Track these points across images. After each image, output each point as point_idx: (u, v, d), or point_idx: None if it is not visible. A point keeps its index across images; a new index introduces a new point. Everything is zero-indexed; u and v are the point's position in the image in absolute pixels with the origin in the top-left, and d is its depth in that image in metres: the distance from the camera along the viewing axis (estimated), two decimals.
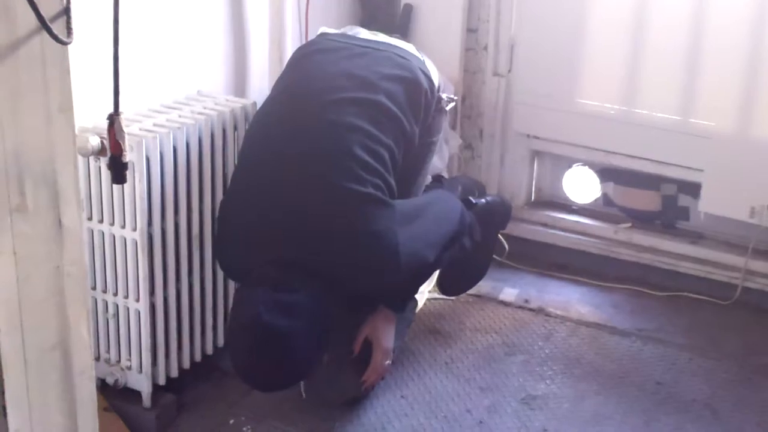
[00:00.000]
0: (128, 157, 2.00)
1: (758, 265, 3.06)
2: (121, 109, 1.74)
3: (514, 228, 3.33)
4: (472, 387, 2.62)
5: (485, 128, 3.34)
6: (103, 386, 2.36)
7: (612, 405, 2.57)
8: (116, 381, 2.34)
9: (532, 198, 3.46)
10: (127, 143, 1.85)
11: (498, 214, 2.94)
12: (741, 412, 2.55)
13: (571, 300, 3.12)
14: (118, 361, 2.33)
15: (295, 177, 2.20)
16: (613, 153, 3.20)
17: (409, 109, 2.41)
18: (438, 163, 3.12)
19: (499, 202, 2.98)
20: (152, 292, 2.27)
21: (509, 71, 3.27)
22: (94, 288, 2.29)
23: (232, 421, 2.43)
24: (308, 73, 2.40)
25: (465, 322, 2.95)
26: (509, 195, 3.39)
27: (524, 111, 3.29)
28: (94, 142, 2.07)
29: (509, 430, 2.45)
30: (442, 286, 2.93)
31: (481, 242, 2.78)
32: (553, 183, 3.43)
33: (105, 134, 1.96)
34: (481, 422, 2.47)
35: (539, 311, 3.04)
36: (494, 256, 3.20)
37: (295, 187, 2.19)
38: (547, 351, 2.81)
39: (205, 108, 2.38)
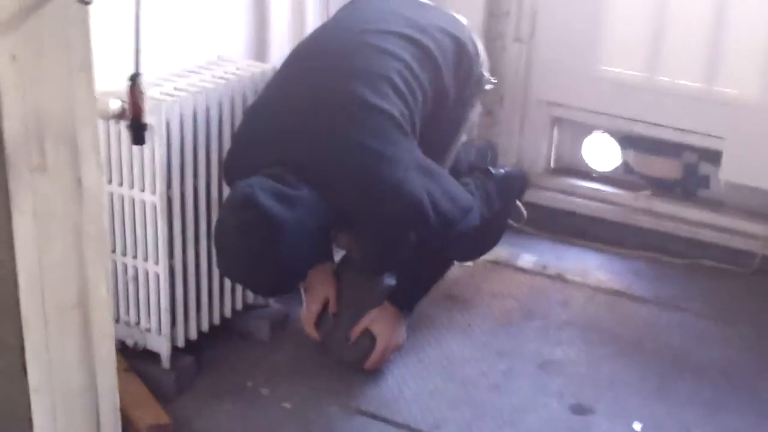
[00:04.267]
0: (148, 119, 2.03)
1: None
2: (141, 70, 1.74)
3: (533, 195, 3.33)
4: (488, 351, 2.63)
5: (506, 95, 3.33)
6: (122, 348, 2.38)
7: (629, 370, 2.58)
8: (136, 343, 2.37)
9: (552, 165, 3.45)
10: (147, 105, 1.87)
11: (516, 185, 2.94)
12: (757, 380, 2.55)
13: (589, 267, 3.12)
14: (138, 323, 2.35)
15: (321, 87, 2.18)
16: (634, 120, 3.18)
17: (453, 67, 2.41)
18: None
19: (517, 173, 2.98)
20: (171, 255, 2.29)
21: (531, 37, 3.25)
22: (113, 251, 2.32)
23: (250, 383, 2.45)
24: (356, 6, 2.41)
25: (482, 288, 2.95)
26: (529, 162, 3.39)
27: (545, 77, 3.27)
28: (114, 105, 2.09)
29: (525, 394, 2.46)
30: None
31: (499, 212, 2.78)
32: (573, 150, 3.41)
33: (125, 98, 2.00)
34: (497, 386, 2.49)
35: (557, 278, 3.04)
36: (513, 222, 3.21)
37: (318, 95, 2.16)
38: (564, 317, 2.82)
39: (225, 72, 2.39)
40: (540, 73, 3.27)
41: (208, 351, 2.53)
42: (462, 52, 2.43)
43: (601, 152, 3.34)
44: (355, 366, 2.49)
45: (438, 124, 2.41)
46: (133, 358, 2.38)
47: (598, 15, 3.10)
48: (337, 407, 2.38)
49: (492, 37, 3.27)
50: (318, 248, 2.20)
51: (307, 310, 2.50)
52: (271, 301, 2.66)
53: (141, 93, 1.76)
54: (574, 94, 3.24)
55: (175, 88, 2.26)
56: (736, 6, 2.88)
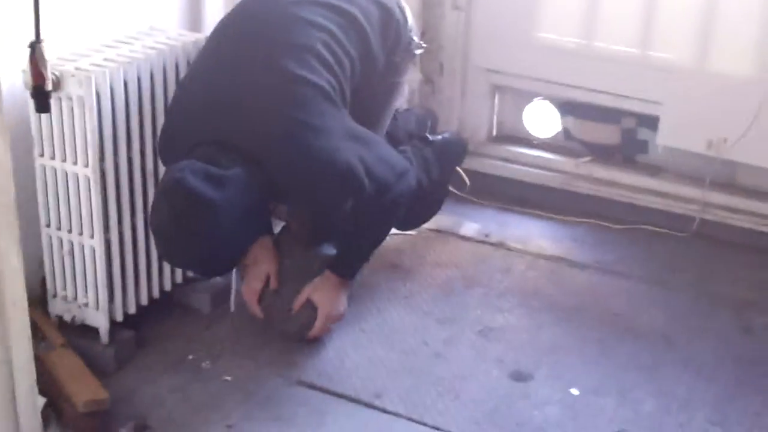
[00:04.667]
0: (76, 91, 2.01)
1: (715, 197, 3.08)
2: (42, 36, 1.71)
3: (475, 163, 3.34)
4: (430, 320, 2.64)
5: (445, 63, 3.33)
6: (60, 323, 2.36)
7: (569, 335, 2.60)
8: (73, 318, 2.34)
9: (494, 133, 3.46)
10: (49, 73, 1.85)
11: (455, 151, 2.95)
12: (696, 341, 2.59)
13: (531, 234, 3.14)
14: (75, 298, 2.33)
15: (248, 63, 2.18)
16: (573, 87, 3.19)
17: (380, 33, 2.41)
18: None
19: (456, 139, 2.98)
20: (107, 228, 2.26)
21: (469, 4, 3.24)
22: (48, 225, 2.28)
23: (191, 357, 2.44)
24: None
25: (425, 257, 2.96)
26: (470, 130, 3.39)
27: (484, 45, 3.27)
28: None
29: (465, 361, 2.47)
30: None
31: (438, 179, 2.78)
32: (514, 117, 3.42)
33: (55, 69, 1.97)
34: (438, 354, 2.50)
35: (499, 245, 3.05)
36: (455, 191, 3.22)
37: (244, 71, 2.17)
38: (505, 284, 2.83)
39: (156, 42, 2.35)
40: (479, 41, 3.27)
41: (148, 325, 2.51)
42: (389, 18, 2.44)
43: (542, 119, 3.35)
44: (297, 337, 2.48)
45: (369, 92, 2.41)
46: (72, 333, 2.35)
47: None
48: (278, 378, 2.38)
49: (430, 5, 3.26)
50: (256, 225, 2.20)
51: (248, 287, 2.49)
52: None
53: (43, 60, 1.73)
54: (513, 61, 3.24)
55: (105, 59, 2.22)
56: None
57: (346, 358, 2.46)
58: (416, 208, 2.85)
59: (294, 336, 2.48)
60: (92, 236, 2.24)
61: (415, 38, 2.57)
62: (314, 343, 2.49)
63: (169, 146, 2.22)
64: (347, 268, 2.46)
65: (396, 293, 2.75)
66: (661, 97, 3.04)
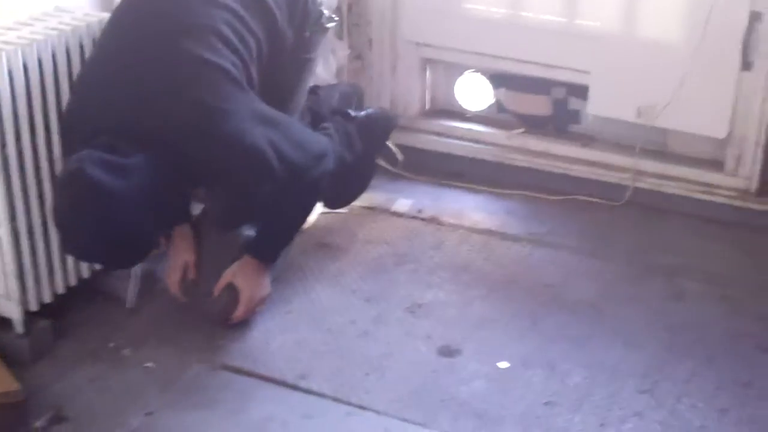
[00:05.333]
0: None
1: (647, 165, 3.06)
2: None
3: (408, 138, 3.30)
4: (358, 298, 2.60)
5: (374, 37, 3.27)
6: None
7: (499, 309, 2.57)
8: None
9: (426, 107, 3.42)
10: None
11: (380, 126, 2.89)
12: (627, 310, 2.57)
13: (465, 208, 3.10)
14: None
15: (148, 46, 2.10)
16: (503, 58, 3.15)
17: (287, 8, 2.33)
18: (323, 73, 3.07)
19: (380, 114, 2.92)
20: (13, 217, 2.19)
21: None
22: None
23: (112, 344, 2.39)
24: None
25: (357, 235, 2.92)
26: (402, 105, 3.35)
27: (413, 18, 3.22)
28: None
29: (393, 340, 2.44)
30: (324, 198, 2.87)
31: (363, 155, 2.73)
32: (446, 91, 3.38)
33: None
34: (365, 332, 2.46)
35: (431, 221, 3.01)
36: (388, 167, 3.18)
37: (144, 55, 2.09)
38: (436, 260, 2.79)
39: (60, 23, 2.28)
40: (408, 14, 3.22)
41: (69, 313, 2.46)
42: None
43: (474, 92, 3.31)
44: (220, 321, 2.43)
45: (279, 70, 2.34)
46: None
47: None
48: (201, 364, 2.33)
49: None
50: (164, 213, 2.12)
51: (168, 277, 2.44)
52: None
53: None
54: (443, 33, 3.20)
55: (4, 42, 2.14)
56: None
57: (272, 341, 2.42)
58: (342, 185, 2.81)
59: (217, 320, 2.43)
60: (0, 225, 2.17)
61: (326, 12, 2.50)
62: (239, 326, 2.44)
63: (68, 134, 2.14)
64: (266, 251, 2.41)
65: (325, 273, 2.71)
66: (589, 66, 3.01)
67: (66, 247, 2.11)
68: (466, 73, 3.28)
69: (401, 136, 3.28)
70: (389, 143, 3.20)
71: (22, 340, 2.28)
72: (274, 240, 2.42)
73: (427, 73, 3.36)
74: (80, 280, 2.43)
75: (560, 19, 2.99)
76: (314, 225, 2.94)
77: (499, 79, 3.25)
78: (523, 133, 3.25)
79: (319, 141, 2.36)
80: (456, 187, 3.22)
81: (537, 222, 3.01)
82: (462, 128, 3.31)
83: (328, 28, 2.52)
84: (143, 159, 2.02)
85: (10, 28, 2.22)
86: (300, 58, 2.44)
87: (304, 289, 2.63)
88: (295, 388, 2.26)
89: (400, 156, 3.23)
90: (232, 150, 2.10)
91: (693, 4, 2.84)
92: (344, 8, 3.18)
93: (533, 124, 3.25)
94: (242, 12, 2.20)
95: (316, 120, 2.72)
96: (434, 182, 3.24)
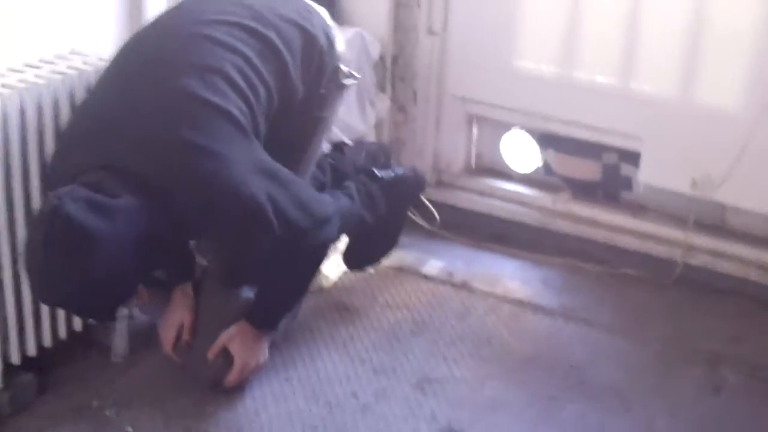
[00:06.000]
0: None
1: (701, 240, 2.84)
2: None
3: (449, 196, 3.16)
4: (365, 369, 2.44)
5: (419, 90, 3.13)
6: None
7: (515, 390, 2.38)
8: None
9: (473, 165, 3.26)
10: None
11: (408, 188, 2.71)
12: (654, 402, 2.35)
13: (500, 274, 2.92)
14: None
15: (147, 82, 1.96)
16: (551, 118, 2.98)
17: (301, 60, 2.19)
18: (360, 126, 2.95)
19: (409, 175, 2.73)
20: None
21: (444, 29, 3.05)
22: None
23: (96, 403, 2.27)
24: None
25: (377, 298, 2.76)
26: (445, 161, 3.21)
27: (460, 72, 3.08)
28: None
29: (394, 417, 2.27)
30: (345, 259, 2.73)
31: (387, 217, 2.58)
32: (492, 149, 3.22)
33: None
34: (365, 407, 2.30)
35: (462, 286, 2.84)
36: (425, 225, 3.03)
37: (143, 91, 1.95)
38: (458, 330, 2.62)
39: (68, 67, 2.20)
40: (455, 68, 3.08)
41: (58, 367, 2.36)
42: (311, 44, 2.22)
43: (521, 152, 3.14)
44: (211, 386, 2.30)
45: (289, 125, 2.19)
46: None
47: (513, 6, 2.91)
48: (182, 431, 2.20)
49: (404, 29, 3.07)
50: (148, 264, 1.98)
51: (162, 335, 2.34)
52: (136, 311, 2.48)
53: None
54: (490, 90, 3.05)
55: (3, 85, 2.07)
56: (651, 1, 2.68)
57: (263, 411, 2.27)
58: (365, 247, 2.68)
59: (209, 385, 2.30)
60: None
61: (345, 68, 2.34)
62: (233, 391, 2.31)
63: (54, 173, 2.01)
64: (263, 319, 2.27)
65: (335, 337, 2.56)
66: (642, 132, 2.82)
67: (33, 289, 1.95)
68: (513, 131, 3.11)
69: (441, 193, 3.15)
70: (425, 201, 3.05)
71: (1, 394, 2.18)
72: (272, 308, 2.28)
73: (473, 129, 3.20)
74: (71, 333, 2.33)
75: (613, 80, 2.81)
76: (335, 284, 2.80)
77: (547, 140, 3.07)
78: (569, 198, 3.05)
79: (324, 204, 2.19)
80: (494, 250, 3.04)
81: (573, 295, 2.81)
82: (506, 189, 3.14)
83: (345, 86, 2.35)
84: (131, 202, 1.86)
85: (14, 70, 2.15)
86: (313, 117, 2.29)
87: (309, 355, 2.48)
88: None
89: (436, 215, 3.07)
90: (226, 199, 1.94)
91: (756, 70, 2.63)
92: (388, 60, 3.05)
93: (581, 190, 3.06)
94: (254, 59, 2.06)
95: (338, 178, 2.58)
96: (471, 244, 3.07)
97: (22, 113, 2.05)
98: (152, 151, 1.91)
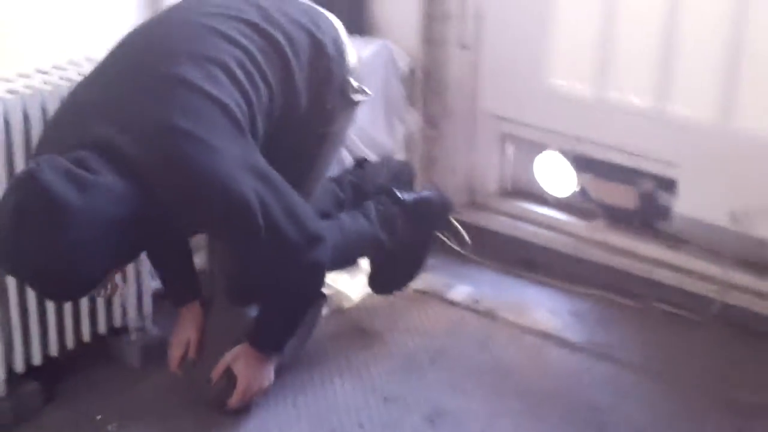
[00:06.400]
0: None
1: (739, 278, 2.69)
2: None
3: (481, 218, 3.06)
4: (376, 397, 2.35)
5: (451, 106, 3.03)
6: None
7: (528, 429, 2.27)
8: None
9: (508, 186, 3.15)
10: None
11: (433, 211, 2.60)
12: None
13: (527, 303, 2.81)
14: None
15: (143, 68, 1.89)
16: (586, 140, 2.86)
17: (307, 66, 2.10)
18: (387, 142, 2.87)
19: (435, 198, 2.62)
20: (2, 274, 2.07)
21: (477, 44, 2.95)
22: None
23: (99, 417, 2.23)
24: None
25: (398, 322, 2.67)
26: (478, 181, 3.11)
27: (492, 89, 2.98)
28: None
29: None
30: (369, 282, 2.65)
31: (409, 242, 2.49)
32: (526, 171, 3.11)
33: None
34: None
35: (487, 314, 2.74)
36: (456, 248, 2.94)
37: (137, 76, 1.88)
38: (477, 361, 2.52)
39: (79, 73, 2.16)
40: (487, 84, 2.98)
41: (68, 376, 2.33)
42: (319, 52, 2.13)
43: (557, 175, 3.02)
44: (215, 407, 2.24)
45: (292, 137, 2.12)
46: None
47: (546, 20, 2.80)
48: None
49: (434, 42, 2.97)
50: (121, 250, 1.83)
51: (170, 352, 2.29)
52: (149, 324, 2.43)
53: None
54: (524, 108, 2.94)
55: (9, 90, 2.05)
56: (692, 19, 2.55)
57: None
58: (387, 272, 2.60)
59: (212, 404, 2.24)
60: None
61: (355, 82, 2.24)
62: (237, 413, 2.24)
63: (39, 152, 1.90)
64: (264, 341, 2.19)
65: (350, 363, 2.48)
66: (678, 159, 2.69)
67: None
68: (547, 153, 3.00)
69: (474, 215, 3.06)
70: (457, 224, 2.96)
71: (3, 403, 2.15)
72: (270, 330, 2.19)
73: (507, 149, 3.10)
74: (80, 342, 2.28)
75: (649, 102, 2.68)
76: (357, 306, 2.73)
77: (584, 164, 2.95)
78: (605, 225, 2.93)
79: (316, 224, 2.09)
80: (524, 277, 2.94)
81: (603, 330, 2.69)
82: (539, 213, 3.03)
83: (354, 102, 2.26)
84: (113, 181, 1.77)
85: (23, 76, 2.12)
86: (319, 132, 2.20)
87: (321, 379, 2.41)
88: None
89: (467, 238, 2.98)
90: (212, 192, 1.85)
91: None
92: (419, 73, 2.96)
93: (618, 217, 2.94)
94: (258, 56, 1.99)
95: (358, 196, 2.51)
96: (501, 269, 2.97)
97: (26, 119, 2.02)
98: (142, 134, 1.82)
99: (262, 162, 1.94)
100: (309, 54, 2.10)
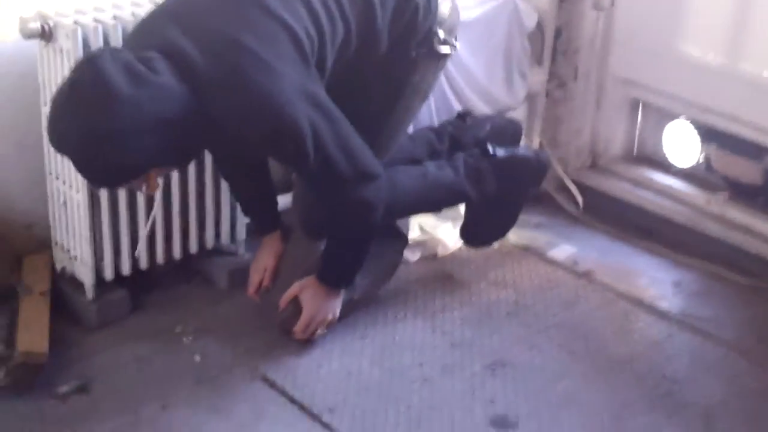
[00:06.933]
0: (65, 43, 2.01)
1: None
2: None
3: (601, 182, 3.03)
4: (443, 341, 2.38)
5: (580, 67, 2.98)
6: (62, 272, 2.39)
7: (592, 392, 2.23)
8: (63, 268, 2.36)
9: (633, 152, 3.07)
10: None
11: (526, 170, 2.54)
12: (743, 429, 2.13)
13: (632, 269, 2.75)
14: (68, 250, 2.34)
15: None
16: (714, 111, 2.75)
17: (391, 11, 2.11)
18: (505, 98, 2.85)
19: (531, 157, 2.57)
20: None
21: (612, 4, 2.88)
22: (50, 173, 2.32)
23: (178, 329, 2.37)
24: None
25: (488, 274, 2.68)
26: (602, 144, 3.05)
27: (624, 52, 2.91)
28: (35, 24, 2.09)
29: (449, 394, 2.20)
30: (460, 234, 2.66)
31: (499, 197, 2.49)
32: (653, 138, 3.02)
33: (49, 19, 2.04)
34: (427, 380, 2.24)
35: (583, 275, 2.70)
36: (570, 209, 2.92)
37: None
38: (558, 319, 2.49)
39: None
40: (619, 47, 2.91)
41: (158, 289, 2.49)
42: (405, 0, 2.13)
43: (684, 144, 2.92)
44: (283, 332, 2.34)
45: (370, 80, 2.15)
46: (68, 283, 2.37)
47: None
48: (244, 369, 2.25)
49: (569, 1, 2.92)
50: (161, 147, 1.84)
51: (250, 277, 2.40)
52: (242, 250, 2.56)
53: None
54: (654, 74, 2.86)
55: (114, 16, 2.19)
56: None
57: (326, 364, 2.28)
58: (476, 225, 2.61)
59: (278, 330, 2.33)
60: (78, 190, 2.23)
61: (441, 33, 2.22)
62: (302, 342, 2.33)
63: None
64: (326, 274, 2.26)
65: (427, 306, 2.52)
66: None
67: (48, 130, 1.88)
68: (677, 121, 2.89)
69: (594, 177, 3.03)
70: (570, 183, 2.93)
71: (89, 306, 2.33)
72: (333, 264, 2.25)
73: (637, 115, 3.01)
74: (169, 260, 2.44)
75: None
76: (452, 254, 2.75)
77: (710, 134, 2.83)
78: (725, 199, 2.80)
79: (372, 162, 2.11)
80: (634, 244, 2.87)
81: (702, 303, 2.60)
82: (660, 182, 2.95)
83: (440, 53, 2.25)
84: (171, 82, 1.82)
85: (117, 6, 2.25)
86: (399, 79, 2.21)
87: (394, 317, 2.46)
88: (315, 418, 2.11)
89: (579, 199, 2.95)
90: (264, 113, 1.89)
91: None
92: (549, 32, 2.92)
93: (741, 192, 2.81)
94: None
95: (455, 148, 2.52)
96: (613, 234, 2.91)
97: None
98: (211, 45, 1.88)
99: (322, 94, 1.99)
100: (395, 1, 2.12)
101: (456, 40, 2.31)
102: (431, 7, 2.19)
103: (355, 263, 2.24)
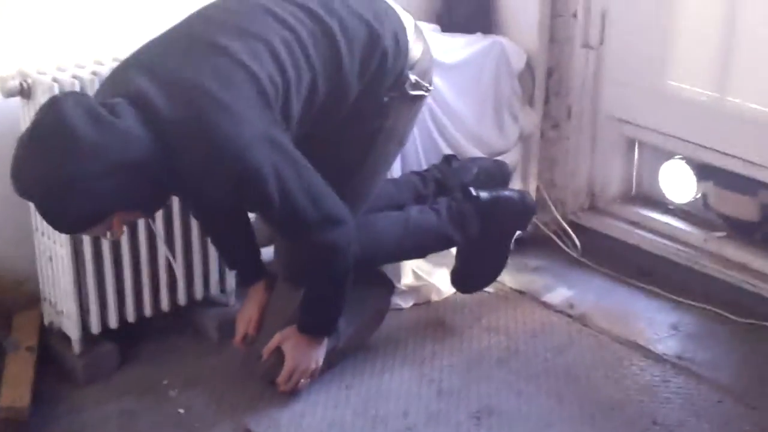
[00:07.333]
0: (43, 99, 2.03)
1: None
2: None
3: (599, 223, 2.98)
4: (431, 389, 2.36)
5: (574, 107, 2.96)
6: (49, 327, 2.41)
7: None
8: (51, 323, 2.38)
9: (631, 191, 3.04)
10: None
11: (511, 212, 2.52)
12: None
13: (629, 312, 2.71)
14: (55, 305, 2.36)
15: (189, 36, 2.00)
16: (707, 148, 2.71)
17: (359, 59, 2.12)
18: (496, 141, 2.85)
19: (516, 199, 2.54)
20: (79, 239, 2.25)
21: (600, 43, 2.87)
22: (36, 230, 2.34)
23: (165, 382, 2.38)
24: None
25: (481, 320, 2.66)
26: (599, 184, 3.02)
27: (616, 91, 2.88)
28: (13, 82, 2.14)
29: None
30: (451, 279, 2.64)
31: (483, 239, 2.47)
32: (650, 177, 2.99)
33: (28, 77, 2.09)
34: (409, 429, 2.23)
35: (578, 319, 2.66)
36: (569, 251, 2.90)
37: (181, 41, 1.99)
38: (548, 365, 2.46)
39: None
40: (611, 86, 2.89)
41: (150, 342, 2.49)
42: (374, 44, 2.13)
43: (680, 183, 2.88)
44: (266, 383, 2.33)
45: (341, 127, 2.15)
46: (56, 339, 2.39)
47: (670, 22, 2.69)
48: (227, 422, 2.24)
49: (560, 41, 2.91)
50: (123, 192, 1.85)
51: (236, 327, 2.41)
52: (232, 300, 2.56)
53: None
54: (645, 111, 2.83)
55: (92, 72, 2.22)
56: None
57: (309, 416, 2.26)
58: (464, 270, 2.58)
59: (261, 381, 2.33)
60: (62, 245, 2.25)
61: (413, 77, 2.23)
62: (287, 393, 2.32)
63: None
64: (305, 322, 2.26)
65: (416, 354, 2.50)
66: None
67: (11, 171, 1.87)
68: (673, 160, 2.86)
69: (592, 218, 3.00)
70: (567, 227, 2.91)
71: (77, 360, 2.34)
72: (312, 312, 2.25)
73: (633, 154, 2.99)
74: (156, 310, 2.44)
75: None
76: (445, 300, 2.73)
77: (706, 172, 2.79)
78: (723, 237, 2.76)
79: (337, 206, 2.10)
80: (632, 286, 2.83)
81: (699, 345, 2.55)
82: (658, 220, 2.90)
83: (412, 97, 2.25)
84: (132, 128, 1.83)
85: (99, 63, 2.27)
86: (372, 125, 2.21)
87: (381, 367, 2.44)
88: None
89: (577, 241, 2.92)
90: (223, 155, 1.88)
91: None
92: (540, 72, 2.91)
93: (738, 229, 2.76)
94: (307, 40, 2.03)
95: (440, 192, 2.51)
96: (611, 276, 2.87)
97: None
98: (174, 90, 1.90)
99: (285, 139, 1.99)
100: (363, 45, 2.13)
101: (430, 83, 2.31)
102: (401, 50, 2.19)
103: (332, 310, 2.24)
